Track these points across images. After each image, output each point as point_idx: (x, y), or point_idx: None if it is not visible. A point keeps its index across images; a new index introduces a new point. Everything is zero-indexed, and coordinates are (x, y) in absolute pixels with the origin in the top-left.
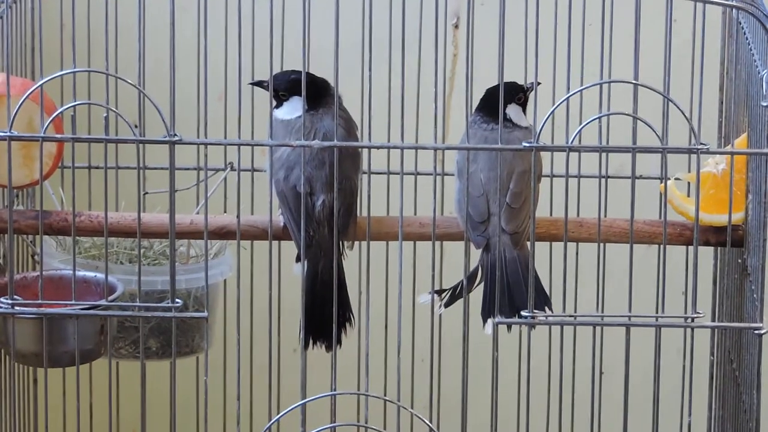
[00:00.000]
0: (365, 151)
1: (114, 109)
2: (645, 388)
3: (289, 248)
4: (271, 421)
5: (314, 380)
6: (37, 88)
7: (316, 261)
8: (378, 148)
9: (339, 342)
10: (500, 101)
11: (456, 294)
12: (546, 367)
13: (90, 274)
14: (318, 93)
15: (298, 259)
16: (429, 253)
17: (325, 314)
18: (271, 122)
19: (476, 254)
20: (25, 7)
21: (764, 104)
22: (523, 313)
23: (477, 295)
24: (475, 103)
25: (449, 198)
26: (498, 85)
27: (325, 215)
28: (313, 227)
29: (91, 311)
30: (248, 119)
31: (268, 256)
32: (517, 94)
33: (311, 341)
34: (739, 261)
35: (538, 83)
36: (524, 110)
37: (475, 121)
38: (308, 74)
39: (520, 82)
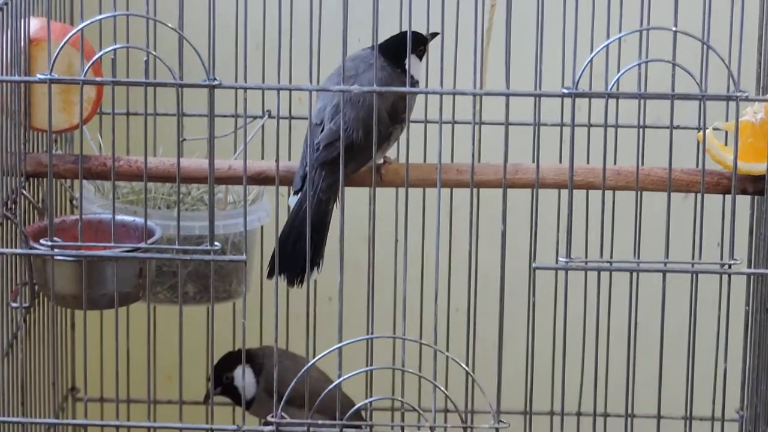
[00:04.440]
0: (407, 100)
1: (154, 53)
2: (680, 337)
3: None
4: (308, 365)
5: (351, 327)
6: (77, 32)
7: (304, 197)
8: (417, 93)
9: (301, 281)
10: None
11: None
12: (582, 314)
13: (128, 218)
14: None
15: (296, 192)
16: (466, 201)
17: (296, 250)
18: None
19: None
20: None
21: None
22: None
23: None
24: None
25: (486, 146)
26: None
27: (322, 148)
28: (311, 160)
29: (130, 254)
30: (287, 66)
31: None
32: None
33: (277, 272)
34: None
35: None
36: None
37: None
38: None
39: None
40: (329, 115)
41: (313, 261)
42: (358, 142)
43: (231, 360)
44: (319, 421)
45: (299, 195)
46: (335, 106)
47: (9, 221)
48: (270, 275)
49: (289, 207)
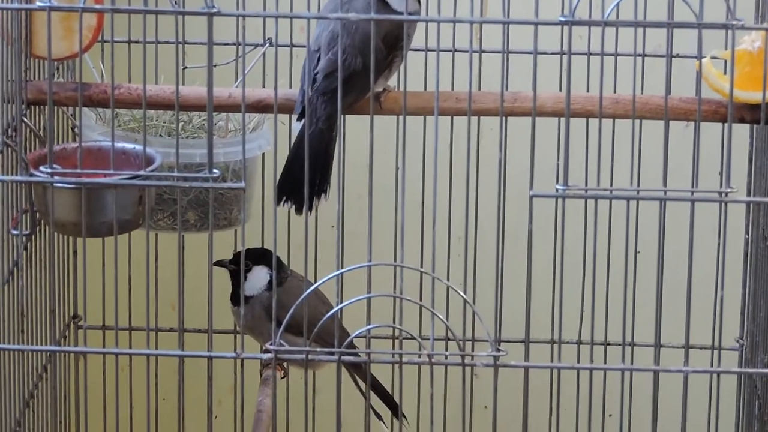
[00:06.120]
0: (404, 28)
1: None
2: (680, 266)
3: None
4: (307, 292)
5: (353, 257)
6: None
7: (308, 123)
8: (414, 21)
9: (310, 207)
10: None
11: None
12: (581, 243)
13: (129, 145)
14: None
15: (299, 118)
16: (466, 129)
17: (301, 178)
18: None
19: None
20: None
21: None
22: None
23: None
24: None
25: (486, 74)
26: None
27: (322, 78)
28: (311, 90)
29: (130, 181)
30: None
31: None
32: None
33: (284, 199)
34: None
35: None
36: None
37: None
38: None
39: None
40: (326, 43)
41: (321, 188)
42: (357, 71)
43: (263, 256)
44: (318, 349)
45: (302, 122)
46: (331, 32)
47: (10, 149)
48: (279, 203)
49: (290, 134)
